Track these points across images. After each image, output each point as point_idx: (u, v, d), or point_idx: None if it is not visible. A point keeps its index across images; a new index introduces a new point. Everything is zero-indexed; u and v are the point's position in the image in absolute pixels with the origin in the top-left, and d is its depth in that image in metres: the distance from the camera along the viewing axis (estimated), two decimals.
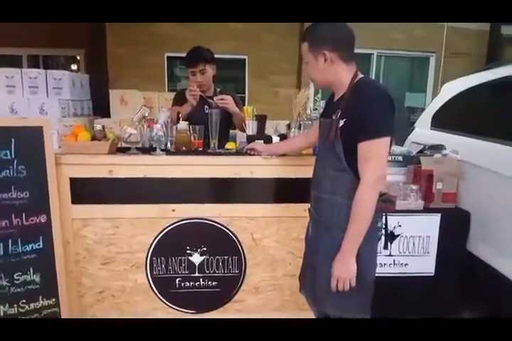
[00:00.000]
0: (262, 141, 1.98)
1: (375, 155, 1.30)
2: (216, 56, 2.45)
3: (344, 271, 1.34)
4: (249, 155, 1.91)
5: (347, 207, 1.35)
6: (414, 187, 2.20)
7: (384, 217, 1.49)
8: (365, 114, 1.30)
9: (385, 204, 1.49)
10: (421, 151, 2.53)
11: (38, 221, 1.80)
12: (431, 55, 6.35)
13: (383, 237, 1.53)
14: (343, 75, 1.40)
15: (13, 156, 1.73)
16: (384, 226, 1.51)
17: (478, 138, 2.28)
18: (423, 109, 3.47)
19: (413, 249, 2.15)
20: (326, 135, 1.42)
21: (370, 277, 1.44)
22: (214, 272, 2.01)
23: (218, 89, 2.54)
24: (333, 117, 1.39)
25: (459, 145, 2.36)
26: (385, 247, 1.60)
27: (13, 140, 1.72)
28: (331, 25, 1.39)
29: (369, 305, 1.45)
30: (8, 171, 1.73)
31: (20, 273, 1.79)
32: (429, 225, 2.14)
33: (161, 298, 2.01)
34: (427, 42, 6.09)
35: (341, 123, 1.34)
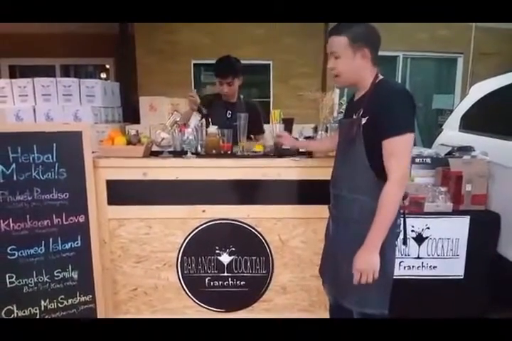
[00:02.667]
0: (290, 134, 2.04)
1: (402, 152, 1.33)
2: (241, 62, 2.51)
3: (368, 264, 1.35)
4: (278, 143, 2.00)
5: (366, 203, 1.40)
6: (442, 189, 2.18)
7: (402, 214, 1.52)
8: (390, 111, 1.33)
9: (403, 200, 1.49)
10: (449, 153, 2.50)
11: (76, 220, 1.90)
12: (459, 56, 6.23)
13: (402, 234, 1.54)
14: (368, 75, 1.44)
15: (54, 159, 1.84)
16: (403, 224, 1.53)
17: (508, 140, 2.24)
18: (451, 111, 3.42)
19: (442, 251, 2.13)
20: (346, 133, 1.46)
21: (390, 273, 1.46)
22: (242, 272, 2.06)
23: (242, 96, 2.60)
24: (355, 116, 1.43)
25: (488, 146, 2.33)
26: (404, 243, 1.59)
27: (54, 144, 1.83)
28: (369, 25, 1.44)
29: (388, 300, 1.46)
30: (50, 173, 1.84)
31: (59, 270, 1.90)
32: (459, 227, 2.12)
33: (192, 296, 2.07)
34: (454, 43, 5.97)
35: (364, 121, 1.38)
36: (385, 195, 1.34)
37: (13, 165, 1.78)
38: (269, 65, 6.14)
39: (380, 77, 1.45)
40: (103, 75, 7.60)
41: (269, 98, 6.20)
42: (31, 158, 1.80)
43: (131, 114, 4.74)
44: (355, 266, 1.38)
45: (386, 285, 1.45)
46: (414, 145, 5.85)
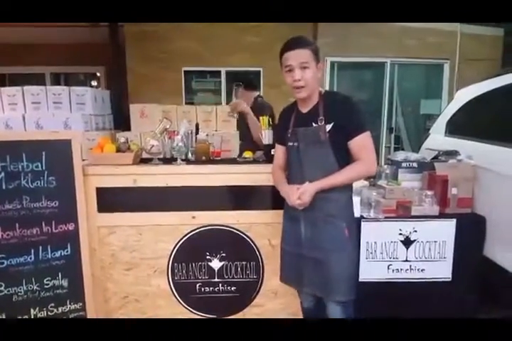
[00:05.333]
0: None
1: (370, 144, 1.61)
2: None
3: (310, 196, 1.55)
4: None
5: (341, 198, 1.64)
6: (429, 192, 2.21)
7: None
8: (354, 114, 1.59)
9: None
10: (436, 157, 2.54)
11: (66, 228, 1.91)
12: (445, 62, 6.34)
13: None
14: (317, 87, 1.64)
15: (44, 168, 1.85)
16: None
17: (493, 144, 2.29)
18: (439, 116, 3.48)
19: (429, 254, 2.16)
20: (310, 140, 1.61)
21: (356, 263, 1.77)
22: (233, 277, 2.07)
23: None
24: (316, 124, 1.60)
25: (474, 150, 2.37)
26: None
27: (43, 152, 1.84)
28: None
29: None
30: (39, 182, 1.85)
31: (49, 278, 1.90)
32: (445, 230, 2.15)
33: (183, 302, 2.08)
34: (440, 49, 6.08)
35: (329, 127, 1.58)
36: (356, 167, 1.59)
37: (2, 174, 1.78)
38: (260, 71, 6.19)
39: (322, 90, 1.65)
40: (94, 83, 7.61)
41: None
42: (20, 167, 1.81)
43: (121, 121, 4.74)
44: (304, 191, 1.55)
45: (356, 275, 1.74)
46: (403, 149, 5.88)
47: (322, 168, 1.60)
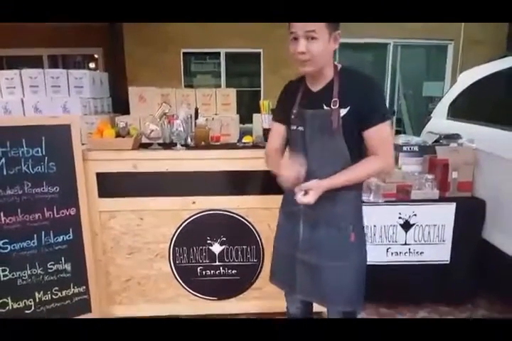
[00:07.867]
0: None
1: (390, 137, 1.37)
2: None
3: (318, 190, 1.31)
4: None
5: (348, 196, 1.40)
6: (429, 176, 2.22)
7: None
8: (375, 99, 1.33)
9: None
10: (437, 141, 2.53)
11: (68, 213, 1.92)
12: (449, 43, 6.23)
13: None
14: (331, 61, 1.36)
15: (44, 153, 1.84)
16: None
17: (494, 127, 2.28)
18: (441, 98, 3.44)
19: (428, 237, 2.18)
20: (321, 127, 1.35)
21: (364, 269, 1.46)
22: (233, 261, 2.10)
23: None
24: (328, 107, 1.33)
25: (475, 134, 2.36)
26: None
27: (43, 138, 1.83)
28: None
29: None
30: (39, 167, 1.85)
31: (52, 263, 1.92)
32: (445, 214, 2.16)
33: (184, 285, 2.11)
34: (444, 30, 5.97)
35: (343, 112, 1.32)
36: (371, 163, 1.35)
37: (3, 160, 1.78)
38: (260, 53, 6.10)
39: (338, 64, 1.38)
40: (92, 65, 7.50)
41: (260, 87, 6.18)
42: (20, 152, 1.81)
43: (120, 104, 4.70)
44: (311, 189, 1.30)
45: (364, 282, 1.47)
46: (404, 132, 5.86)
47: (332, 161, 1.37)
